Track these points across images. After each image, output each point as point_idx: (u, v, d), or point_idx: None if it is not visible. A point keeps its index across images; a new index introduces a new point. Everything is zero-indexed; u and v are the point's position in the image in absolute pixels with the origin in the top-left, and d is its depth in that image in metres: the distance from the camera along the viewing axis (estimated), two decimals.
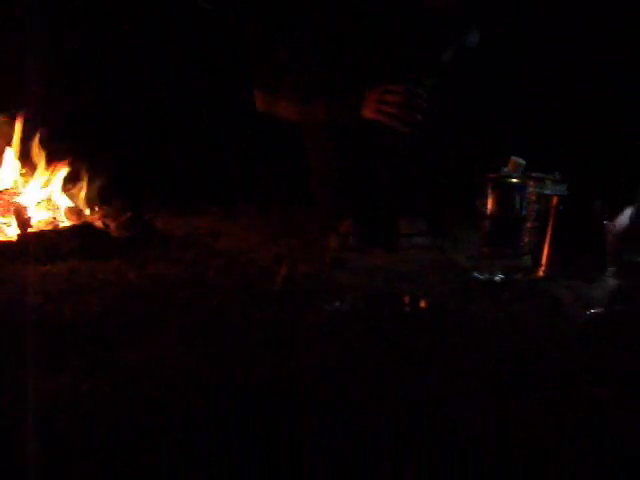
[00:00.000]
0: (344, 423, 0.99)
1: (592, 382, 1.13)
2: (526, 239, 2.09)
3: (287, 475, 0.88)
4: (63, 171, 2.61)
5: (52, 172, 2.61)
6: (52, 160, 2.67)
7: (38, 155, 2.62)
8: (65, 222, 2.53)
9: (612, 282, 1.86)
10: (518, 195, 2.09)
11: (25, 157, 2.65)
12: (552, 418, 1.01)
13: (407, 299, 1.60)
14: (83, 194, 2.67)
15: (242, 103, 2.80)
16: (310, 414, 1.01)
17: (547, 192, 2.08)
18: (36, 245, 2.22)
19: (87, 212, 2.64)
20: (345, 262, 2.05)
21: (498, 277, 1.92)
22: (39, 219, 2.49)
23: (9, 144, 2.62)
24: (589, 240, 1.95)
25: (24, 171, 2.64)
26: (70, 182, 2.68)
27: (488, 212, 2.11)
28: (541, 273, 1.98)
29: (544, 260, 1.99)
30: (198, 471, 0.89)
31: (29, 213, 2.42)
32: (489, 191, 2.11)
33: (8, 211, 2.46)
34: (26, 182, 2.62)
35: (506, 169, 2.16)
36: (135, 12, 3.12)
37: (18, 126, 2.60)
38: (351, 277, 1.95)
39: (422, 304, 1.54)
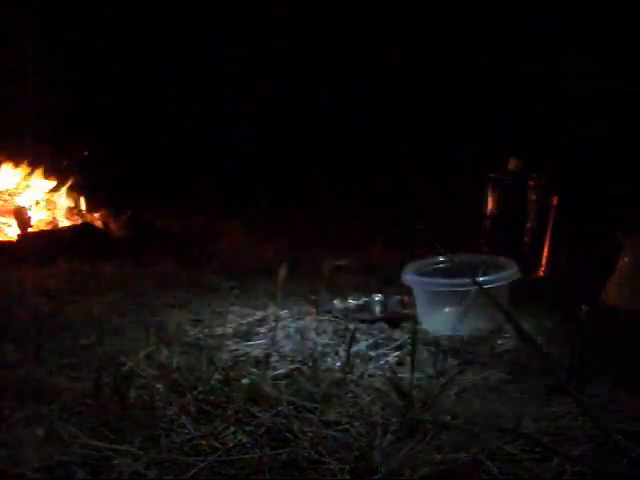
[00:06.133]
0: None
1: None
2: (526, 239, 2.09)
3: None
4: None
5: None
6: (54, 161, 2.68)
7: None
8: (65, 222, 2.53)
9: None
10: (517, 195, 2.09)
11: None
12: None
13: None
14: (83, 195, 2.67)
15: (242, 103, 2.81)
16: None
17: (546, 192, 2.07)
18: (36, 245, 2.22)
19: (85, 210, 2.64)
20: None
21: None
22: (39, 219, 2.49)
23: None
24: None
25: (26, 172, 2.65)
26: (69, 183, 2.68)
27: (488, 212, 2.10)
28: (541, 273, 1.98)
29: (544, 260, 1.99)
30: None
31: (29, 213, 2.43)
32: (489, 191, 2.10)
33: (8, 211, 2.46)
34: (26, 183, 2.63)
35: (506, 169, 2.16)
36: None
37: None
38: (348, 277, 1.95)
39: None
